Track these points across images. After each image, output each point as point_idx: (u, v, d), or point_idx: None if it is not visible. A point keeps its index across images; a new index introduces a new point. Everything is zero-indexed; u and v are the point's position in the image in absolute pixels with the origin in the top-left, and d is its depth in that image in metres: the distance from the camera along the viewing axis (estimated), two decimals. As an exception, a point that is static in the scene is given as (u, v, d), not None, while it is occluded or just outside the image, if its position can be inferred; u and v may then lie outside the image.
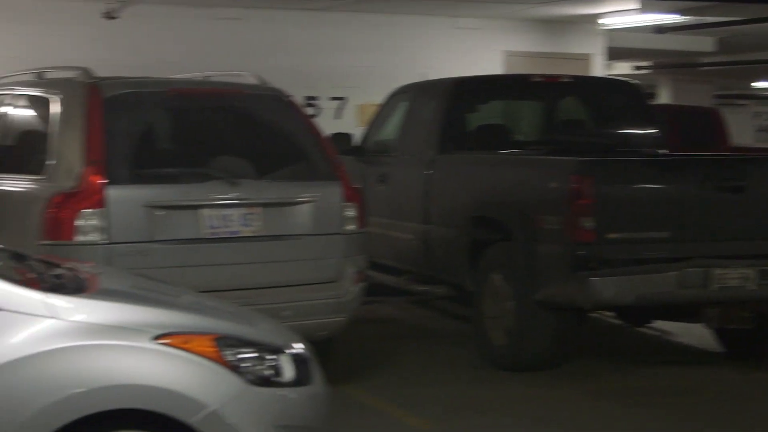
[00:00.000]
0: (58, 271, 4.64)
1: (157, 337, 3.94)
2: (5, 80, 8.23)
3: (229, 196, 6.78)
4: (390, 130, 10.15)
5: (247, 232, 6.83)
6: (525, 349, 7.63)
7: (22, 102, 7.62)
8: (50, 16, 13.12)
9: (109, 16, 12.96)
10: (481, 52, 14.96)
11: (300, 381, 4.19)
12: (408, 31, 14.99)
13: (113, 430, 3.86)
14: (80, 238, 6.32)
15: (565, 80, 10.04)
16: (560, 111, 10.23)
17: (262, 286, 6.79)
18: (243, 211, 6.83)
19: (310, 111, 13.16)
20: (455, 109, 9.26)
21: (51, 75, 7.81)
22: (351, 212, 7.14)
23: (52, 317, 3.85)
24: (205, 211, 6.72)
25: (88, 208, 6.36)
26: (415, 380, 7.64)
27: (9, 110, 7.70)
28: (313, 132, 7.36)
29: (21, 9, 13.08)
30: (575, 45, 15.90)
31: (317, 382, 4.32)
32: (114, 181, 6.46)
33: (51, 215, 6.38)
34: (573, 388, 7.38)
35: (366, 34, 14.78)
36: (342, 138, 10.12)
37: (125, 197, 6.48)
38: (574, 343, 7.93)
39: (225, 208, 6.77)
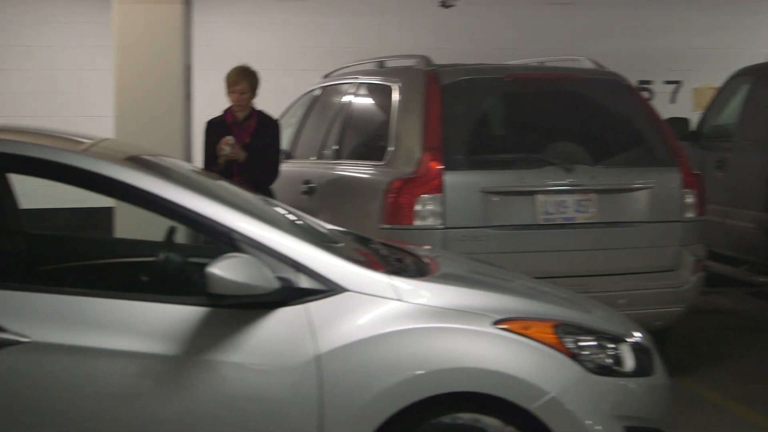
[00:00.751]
0: (400, 254, 4.75)
1: (498, 322, 3.94)
2: (349, 69, 8.58)
3: (564, 182, 6.74)
4: (729, 114, 9.79)
5: (581, 218, 6.77)
6: None
7: (364, 90, 7.90)
8: (389, 6, 13.55)
9: (446, 4, 13.20)
10: (832, 30, 14.13)
11: (641, 371, 4.10)
12: (748, 10, 14.33)
13: (450, 413, 3.88)
14: (418, 223, 6.47)
15: None
16: None
17: (596, 274, 6.71)
18: (577, 197, 6.77)
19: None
20: (802, 91, 8.80)
21: (391, 63, 8.04)
22: (690, 199, 6.93)
23: (397, 299, 3.92)
24: (540, 197, 6.71)
25: (426, 194, 6.49)
26: (755, 375, 7.32)
27: (352, 99, 8.01)
28: (652, 117, 7.18)
29: (362, 0, 13.58)
30: None
31: (658, 373, 4.21)
32: (451, 166, 6.56)
33: (391, 200, 6.57)
34: None
35: (703, 13, 14.26)
36: (678, 123, 9.88)
37: (461, 183, 6.57)
38: None
39: (560, 194, 6.73)
